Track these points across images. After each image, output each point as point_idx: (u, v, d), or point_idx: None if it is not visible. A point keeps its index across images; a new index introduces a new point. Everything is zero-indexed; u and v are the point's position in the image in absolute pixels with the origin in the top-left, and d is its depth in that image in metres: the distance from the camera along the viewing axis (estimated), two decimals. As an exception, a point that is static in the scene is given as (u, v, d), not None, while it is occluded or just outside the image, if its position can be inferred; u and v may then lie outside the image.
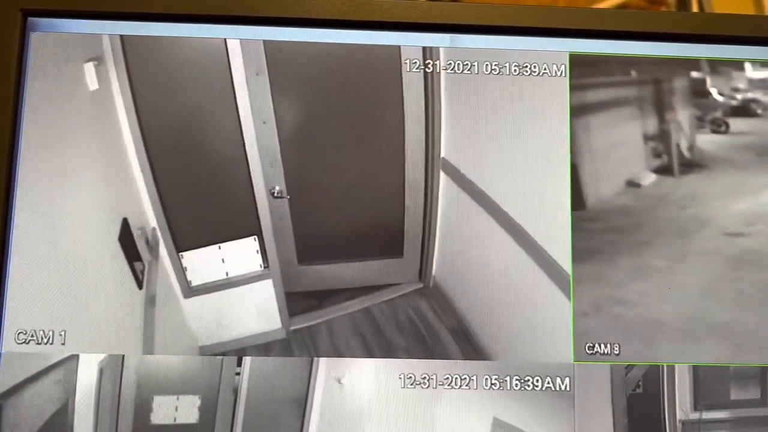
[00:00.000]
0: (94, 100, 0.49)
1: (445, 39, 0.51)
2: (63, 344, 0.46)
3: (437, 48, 0.51)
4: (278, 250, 0.49)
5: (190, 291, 0.48)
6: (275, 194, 0.49)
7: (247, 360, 0.47)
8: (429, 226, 0.50)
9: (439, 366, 0.48)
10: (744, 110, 0.53)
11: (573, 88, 0.51)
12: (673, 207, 0.51)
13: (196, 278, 0.49)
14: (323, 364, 0.47)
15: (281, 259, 0.49)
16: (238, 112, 0.49)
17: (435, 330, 0.49)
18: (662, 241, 0.50)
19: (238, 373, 0.47)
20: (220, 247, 0.49)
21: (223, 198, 0.49)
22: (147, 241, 0.48)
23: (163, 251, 0.48)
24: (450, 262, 0.50)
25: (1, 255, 0.46)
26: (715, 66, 0.52)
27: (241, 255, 0.49)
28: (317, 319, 0.49)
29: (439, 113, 0.50)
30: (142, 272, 0.48)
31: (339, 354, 0.48)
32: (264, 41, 0.50)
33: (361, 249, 0.49)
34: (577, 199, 0.50)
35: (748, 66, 0.53)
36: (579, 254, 0.49)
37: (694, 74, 0.52)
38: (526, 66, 0.51)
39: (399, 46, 0.50)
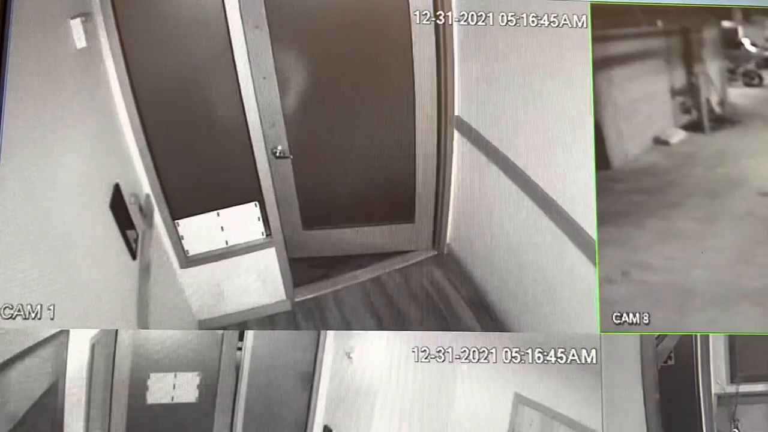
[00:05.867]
0: (82, 58, 0.47)
1: (458, -12, 0.49)
2: (52, 319, 0.44)
3: (449, -2, 0.49)
4: (281, 215, 0.48)
5: (187, 261, 0.47)
6: (277, 154, 0.47)
7: (249, 334, 0.45)
8: (442, 189, 0.49)
9: (455, 338, 0.46)
10: (779, 62, 0.51)
11: (595, 39, 0.48)
12: (703, 166, 0.49)
13: (193, 247, 0.48)
14: (331, 337, 0.45)
15: (285, 224, 0.49)
16: (235, 67, 0.48)
17: (450, 300, 0.47)
18: (693, 202, 0.48)
19: (240, 348, 0.45)
20: (218, 214, 0.48)
21: (221, 161, 0.48)
22: (140, 209, 0.47)
23: (157, 219, 0.47)
24: (465, 227, 0.48)
25: (-16, 225, 0.44)
26: (748, 14, 0.50)
27: (241, 222, 0.48)
28: (324, 289, 0.48)
29: (452, 68, 0.49)
30: (136, 241, 0.46)
31: (348, 326, 0.46)
32: (263, -8, 0.48)
33: (369, 213, 0.49)
34: (602, 158, 0.47)
35: (783, 15, 0.51)
36: (604, 216, 0.47)
37: (725, 23, 0.50)
38: (545, 17, 0.48)
39: (407, -4, 0.49)
